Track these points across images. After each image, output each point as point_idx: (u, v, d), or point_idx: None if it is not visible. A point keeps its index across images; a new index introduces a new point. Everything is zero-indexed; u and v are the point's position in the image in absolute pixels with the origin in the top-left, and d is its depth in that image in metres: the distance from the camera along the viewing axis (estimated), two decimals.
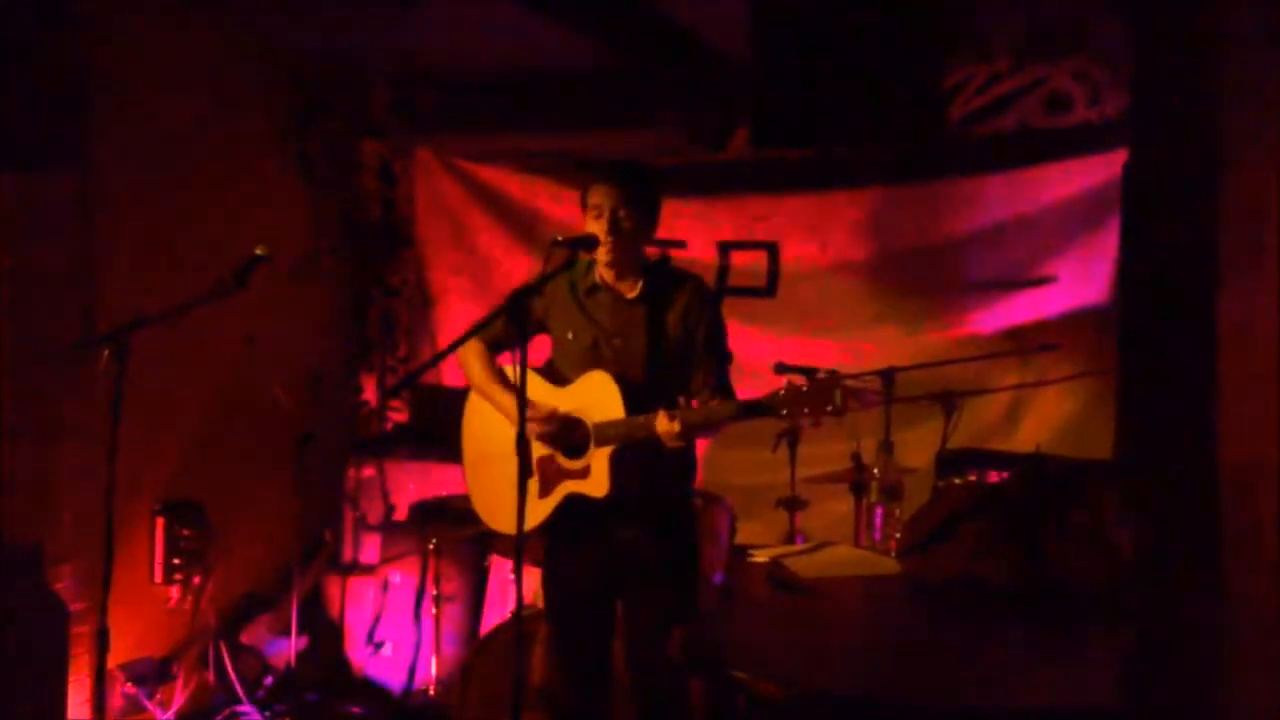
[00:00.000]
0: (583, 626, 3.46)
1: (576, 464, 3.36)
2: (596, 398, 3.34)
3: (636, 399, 3.28)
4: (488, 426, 3.58)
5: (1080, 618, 3.94)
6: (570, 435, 3.38)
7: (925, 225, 5.75)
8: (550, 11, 4.99)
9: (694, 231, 6.06)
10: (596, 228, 3.36)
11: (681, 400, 3.18)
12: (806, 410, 3.05)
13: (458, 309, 6.48)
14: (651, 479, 3.36)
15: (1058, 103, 5.45)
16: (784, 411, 3.09)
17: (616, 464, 3.29)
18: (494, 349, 3.59)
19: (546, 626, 3.54)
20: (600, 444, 3.31)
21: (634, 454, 3.30)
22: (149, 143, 5.10)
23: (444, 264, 6.53)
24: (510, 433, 3.50)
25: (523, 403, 3.16)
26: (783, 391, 3.08)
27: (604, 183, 3.37)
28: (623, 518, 3.38)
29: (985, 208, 5.66)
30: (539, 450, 3.37)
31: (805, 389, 3.05)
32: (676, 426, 3.14)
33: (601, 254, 3.38)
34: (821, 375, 3.05)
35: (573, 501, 3.38)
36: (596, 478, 3.32)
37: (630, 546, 3.39)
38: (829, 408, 3.03)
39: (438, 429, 5.91)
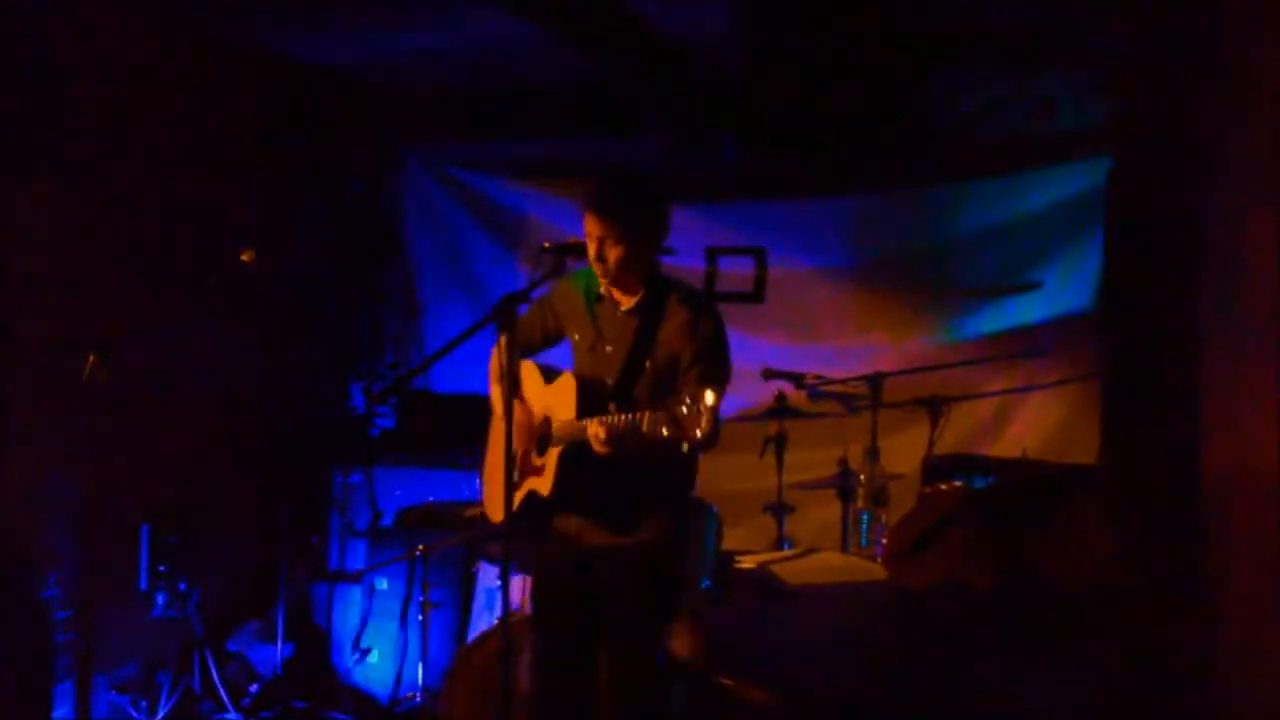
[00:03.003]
0: (560, 633, 3.46)
1: (540, 462, 3.43)
2: (560, 398, 3.39)
3: (604, 404, 3.28)
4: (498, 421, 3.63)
5: (1065, 622, 3.96)
6: (544, 433, 3.44)
7: (912, 231, 5.78)
8: (540, 22, 4.99)
9: (682, 238, 6.02)
10: (590, 252, 3.38)
11: (612, 407, 3.21)
12: (665, 432, 2.99)
13: (445, 316, 6.47)
14: (605, 484, 3.34)
15: (1044, 109, 5.47)
16: (652, 431, 3.03)
17: (562, 464, 3.33)
18: (526, 354, 3.61)
19: (532, 632, 3.54)
20: (555, 444, 3.36)
21: (583, 456, 3.29)
22: (136, 149, 5.09)
23: (432, 271, 6.53)
24: (499, 426, 3.55)
25: (510, 408, 3.18)
26: (649, 413, 3.04)
27: (591, 213, 3.36)
28: (588, 522, 3.40)
29: (972, 213, 5.69)
30: (520, 446, 3.41)
31: (676, 414, 2.98)
32: (602, 432, 3.16)
33: (602, 275, 3.41)
34: (687, 403, 2.97)
35: (529, 500, 3.43)
36: (546, 476, 3.38)
37: (600, 555, 3.41)
38: (696, 431, 2.96)
39: (425, 435, 5.91)
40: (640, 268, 3.42)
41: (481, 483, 3.77)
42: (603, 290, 3.46)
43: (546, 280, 3.47)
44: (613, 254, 3.33)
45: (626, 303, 3.44)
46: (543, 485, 3.38)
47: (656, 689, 3.51)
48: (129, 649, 5.11)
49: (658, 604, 3.46)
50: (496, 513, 3.59)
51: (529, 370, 3.58)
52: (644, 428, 3.05)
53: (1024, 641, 3.97)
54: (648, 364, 3.38)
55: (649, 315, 3.42)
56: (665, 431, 2.99)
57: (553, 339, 3.62)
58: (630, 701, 3.41)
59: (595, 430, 3.17)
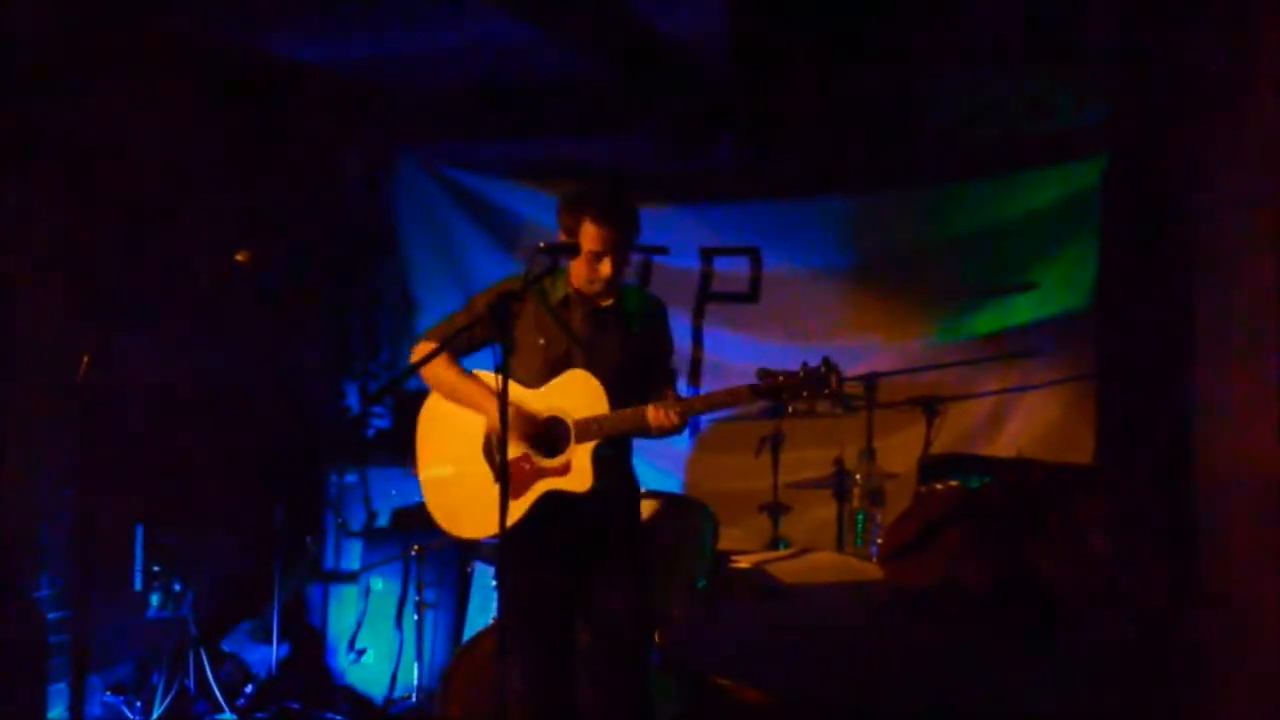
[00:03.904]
0: (557, 631, 3.46)
1: (555, 461, 3.40)
2: (578, 396, 3.40)
3: (624, 396, 3.37)
4: (449, 433, 3.60)
5: (1060, 622, 3.96)
6: (549, 433, 3.42)
7: (908, 231, 5.76)
8: (536, 21, 4.99)
9: (677, 237, 6.06)
10: (595, 270, 3.42)
11: (670, 393, 3.34)
12: (805, 394, 3.26)
13: (440, 315, 6.44)
14: (620, 480, 3.50)
15: (1041, 109, 5.47)
16: (783, 395, 3.29)
17: (598, 458, 3.36)
18: (460, 355, 3.61)
19: (507, 629, 3.53)
20: (582, 439, 3.36)
21: (612, 452, 3.41)
22: (132, 150, 5.08)
23: (427, 270, 6.52)
24: (477, 437, 3.52)
25: (504, 407, 3.17)
26: (781, 377, 3.27)
27: (603, 226, 3.40)
28: (592, 515, 3.43)
29: (968, 214, 5.68)
30: (511, 451, 3.38)
31: (802, 375, 3.26)
32: (674, 418, 3.28)
33: (594, 284, 3.45)
34: (819, 365, 3.28)
35: (549, 501, 3.41)
36: (578, 473, 3.38)
37: (592, 551, 3.45)
38: (825, 390, 3.26)
39: None
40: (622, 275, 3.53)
41: (441, 501, 3.61)
42: (570, 292, 3.50)
43: (541, 280, 3.49)
44: (621, 261, 3.43)
45: (605, 302, 3.50)
46: (574, 483, 3.38)
47: (649, 683, 3.53)
48: (123, 649, 5.10)
49: (650, 595, 3.52)
50: (467, 528, 3.57)
51: (484, 378, 3.57)
52: (744, 399, 3.31)
53: (1020, 641, 3.97)
54: (632, 355, 3.48)
55: (628, 313, 3.53)
56: (805, 394, 3.26)
57: (476, 346, 3.60)
58: (627, 696, 3.41)
59: (661, 416, 3.27)
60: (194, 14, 5.22)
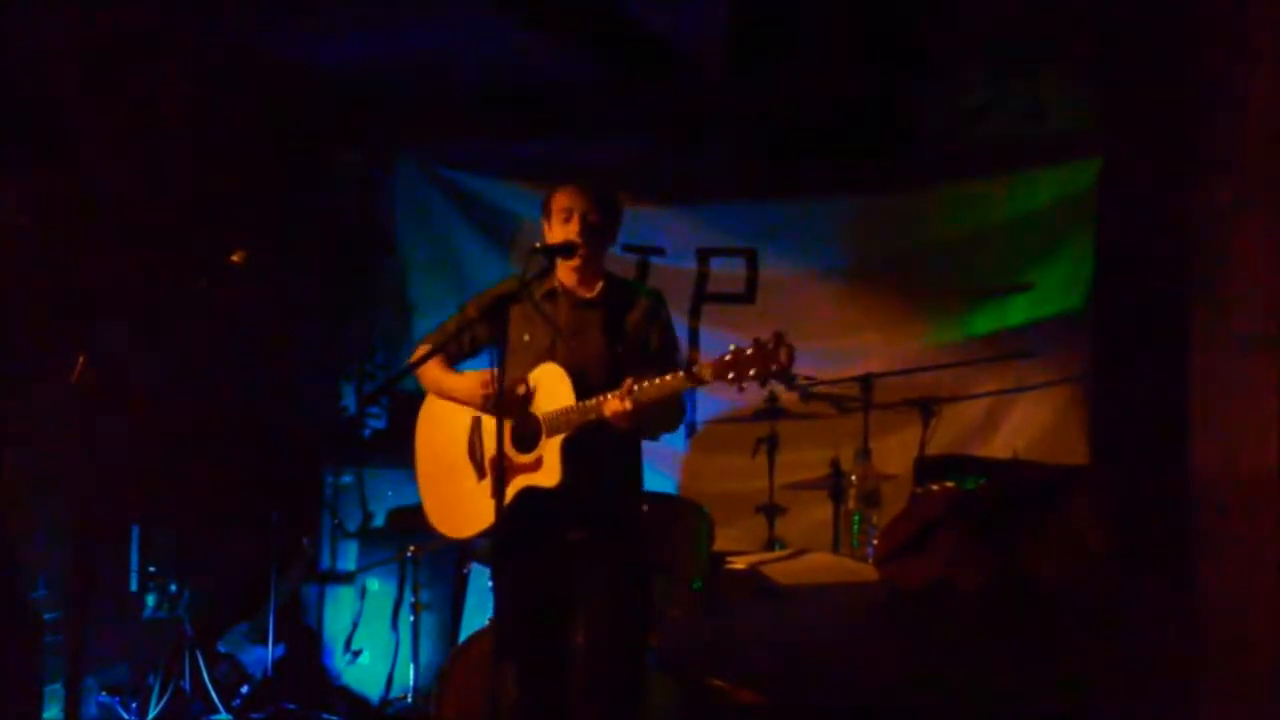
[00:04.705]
0: (537, 628, 3.45)
1: (528, 457, 3.39)
2: (546, 388, 3.38)
3: (589, 393, 3.31)
4: (441, 433, 3.61)
5: (1056, 622, 3.96)
6: (523, 428, 3.41)
7: (904, 233, 5.77)
8: (534, 23, 5.00)
9: (673, 238, 6.06)
10: (567, 231, 3.42)
11: (629, 382, 3.23)
12: (752, 371, 3.12)
13: (437, 316, 6.43)
14: (600, 475, 3.40)
15: (1035, 111, 5.47)
16: (730, 375, 3.15)
17: (567, 452, 3.32)
18: (457, 360, 3.63)
19: (499, 629, 3.52)
20: (551, 433, 3.34)
21: (584, 445, 3.34)
22: (128, 150, 5.08)
23: (423, 271, 6.52)
24: (463, 437, 3.53)
25: (501, 411, 3.17)
26: (728, 357, 3.15)
27: (570, 186, 3.45)
28: (572, 518, 3.40)
29: (963, 215, 5.68)
30: (490, 449, 3.36)
31: (750, 351, 3.13)
32: (628, 404, 3.20)
33: (576, 261, 3.44)
34: (764, 339, 3.14)
35: (524, 497, 3.38)
36: (548, 467, 3.34)
37: (581, 550, 3.41)
38: (773, 366, 3.11)
39: None
40: (601, 257, 3.52)
41: (433, 502, 3.63)
42: (556, 287, 3.50)
43: (537, 280, 3.49)
44: (590, 223, 3.41)
45: (589, 293, 3.50)
46: (545, 477, 3.34)
47: (643, 683, 3.52)
48: (119, 650, 5.10)
49: (641, 592, 3.50)
50: (456, 528, 3.57)
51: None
52: (696, 381, 3.17)
53: (1015, 642, 3.97)
54: (620, 349, 3.44)
55: (613, 304, 3.50)
56: (752, 373, 3.10)
57: (466, 352, 3.63)
58: (619, 696, 3.41)
59: (615, 405, 3.19)
60: (194, 14, 5.23)
